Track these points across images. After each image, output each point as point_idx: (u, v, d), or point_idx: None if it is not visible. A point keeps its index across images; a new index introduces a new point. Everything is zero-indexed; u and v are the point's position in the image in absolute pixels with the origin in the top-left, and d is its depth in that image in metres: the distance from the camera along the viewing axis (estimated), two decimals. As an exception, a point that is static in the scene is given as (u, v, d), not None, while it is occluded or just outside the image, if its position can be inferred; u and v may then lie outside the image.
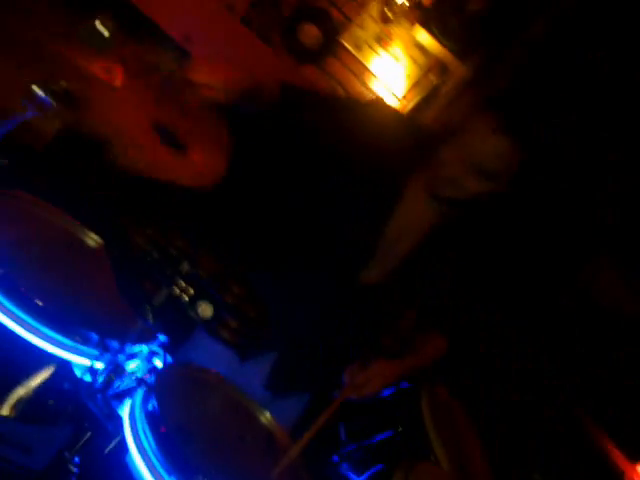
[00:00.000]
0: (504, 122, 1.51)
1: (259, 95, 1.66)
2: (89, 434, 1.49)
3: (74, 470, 1.48)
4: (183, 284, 1.47)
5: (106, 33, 1.46)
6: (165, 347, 1.62)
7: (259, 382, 1.88)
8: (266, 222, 1.95)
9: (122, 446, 1.44)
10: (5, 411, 1.47)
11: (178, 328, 1.65)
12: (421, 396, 2.03)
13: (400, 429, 2.06)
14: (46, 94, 1.35)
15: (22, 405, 1.49)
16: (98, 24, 1.45)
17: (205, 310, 1.43)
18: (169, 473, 1.37)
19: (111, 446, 1.47)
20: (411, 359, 1.89)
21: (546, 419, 2.56)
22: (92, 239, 1.86)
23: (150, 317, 1.50)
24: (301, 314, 1.89)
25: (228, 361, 1.82)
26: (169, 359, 1.64)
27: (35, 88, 1.34)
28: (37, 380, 1.50)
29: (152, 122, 1.55)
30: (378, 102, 2.30)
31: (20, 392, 1.49)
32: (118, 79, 1.48)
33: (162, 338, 1.62)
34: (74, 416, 1.51)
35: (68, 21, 1.49)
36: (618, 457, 2.69)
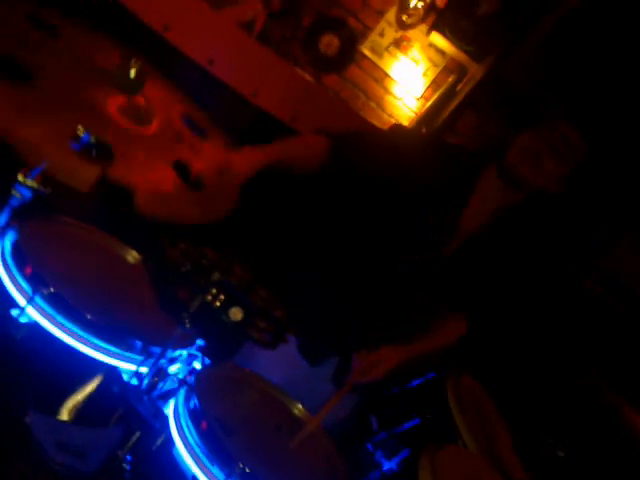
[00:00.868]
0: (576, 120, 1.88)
1: (303, 161, 1.84)
2: (138, 433, 1.59)
3: (127, 467, 1.59)
4: (215, 291, 1.59)
5: (134, 74, 1.56)
6: (202, 350, 1.76)
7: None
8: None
9: (169, 442, 1.58)
10: (64, 416, 1.61)
11: (213, 332, 1.78)
12: (447, 384, 2.14)
13: (429, 416, 2.17)
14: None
15: (77, 410, 1.61)
16: (129, 66, 1.54)
17: (236, 314, 1.56)
18: (212, 463, 1.51)
19: (159, 442, 1.59)
20: (424, 343, 2.02)
21: (570, 398, 2.62)
22: (131, 256, 2.00)
23: (187, 324, 1.63)
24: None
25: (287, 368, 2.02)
26: (207, 361, 1.78)
27: (80, 129, 1.46)
28: (90, 386, 1.62)
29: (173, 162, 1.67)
30: (398, 127, 2.49)
31: (75, 398, 1.61)
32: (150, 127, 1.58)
33: (199, 342, 1.76)
34: (124, 417, 1.61)
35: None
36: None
